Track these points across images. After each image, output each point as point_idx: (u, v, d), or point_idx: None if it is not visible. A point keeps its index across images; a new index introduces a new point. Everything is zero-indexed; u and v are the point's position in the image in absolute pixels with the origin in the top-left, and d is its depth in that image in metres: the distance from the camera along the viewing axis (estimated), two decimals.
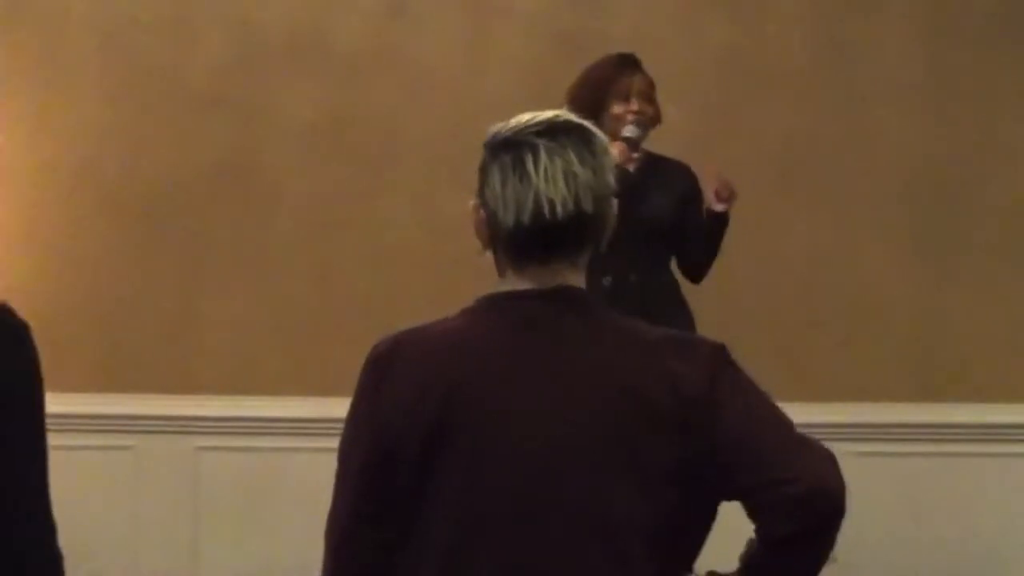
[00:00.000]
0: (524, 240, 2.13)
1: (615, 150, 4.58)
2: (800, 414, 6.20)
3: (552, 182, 2.10)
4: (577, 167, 2.12)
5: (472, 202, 2.19)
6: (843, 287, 5.69)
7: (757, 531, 2.10)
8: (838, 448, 6.32)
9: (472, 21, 5.74)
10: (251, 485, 5.61)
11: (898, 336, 5.68)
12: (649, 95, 4.77)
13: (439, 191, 5.39)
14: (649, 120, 4.77)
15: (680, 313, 4.70)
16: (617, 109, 4.70)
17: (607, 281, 4.58)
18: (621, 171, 4.53)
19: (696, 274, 4.88)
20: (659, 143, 5.76)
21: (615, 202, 2.21)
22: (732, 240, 5.70)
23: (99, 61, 5.74)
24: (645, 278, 4.69)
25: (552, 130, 2.13)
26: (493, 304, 2.17)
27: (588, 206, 2.12)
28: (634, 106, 4.71)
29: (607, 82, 4.73)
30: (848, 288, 5.69)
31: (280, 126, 5.59)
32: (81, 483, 5.67)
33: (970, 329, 5.66)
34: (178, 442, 5.67)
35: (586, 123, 2.16)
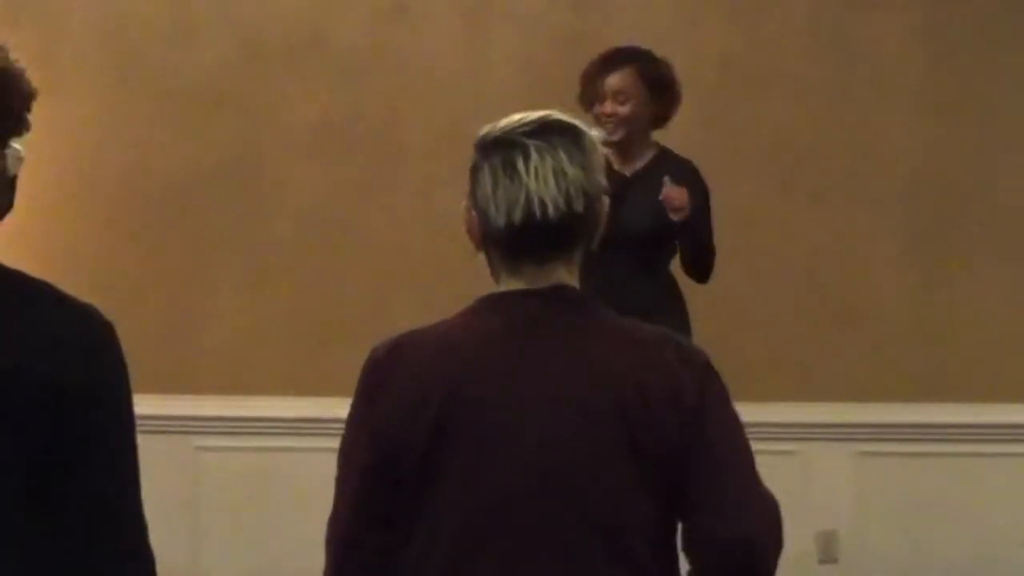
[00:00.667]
0: (516, 240, 2.13)
1: None
2: (800, 414, 6.21)
3: (543, 182, 2.10)
4: (567, 166, 2.12)
5: (464, 203, 2.19)
6: (843, 287, 5.69)
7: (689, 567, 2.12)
8: (838, 448, 6.33)
9: (472, 21, 5.74)
10: (251, 485, 5.61)
11: (898, 336, 5.68)
12: (624, 94, 4.70)
13: (439, 191, 5.38)
14: (624, 121, 4.71)
15: (672, 318, 4.65)
16: (596, 110, 4.69)
17: (596, 284, 4.58)
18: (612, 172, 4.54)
19: (694, 276, 4.84)
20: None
21: (606, 200, 2.20)
22: (732, 240, 5.71)
23: (99, 61, 5.74)
24: (635, 282, 4.65)
25: (542, 130, 2.13)
26: (491, 305, 2.17)
27: (579, 205, 2.13)
28: (606, 108, 4.68)
29: (587, 83, 4.73)
30: (848, 288, 5.69)
31: (280, 126, 5.59)
32: None
33: (970, 329, 5.66)
34: (178, 442, 5.67)
35: (576, 121, 2.17)
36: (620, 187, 4.62)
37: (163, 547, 6.39)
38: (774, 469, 5.74)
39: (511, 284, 2.17)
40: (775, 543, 2.11)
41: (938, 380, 5.63)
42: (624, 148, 4.74)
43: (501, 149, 2.13)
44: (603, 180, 2.17)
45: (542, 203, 2.10)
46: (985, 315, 5.67)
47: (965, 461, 5.62)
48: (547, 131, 2.13)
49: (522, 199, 2.10)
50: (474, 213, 2.17)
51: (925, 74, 5.71)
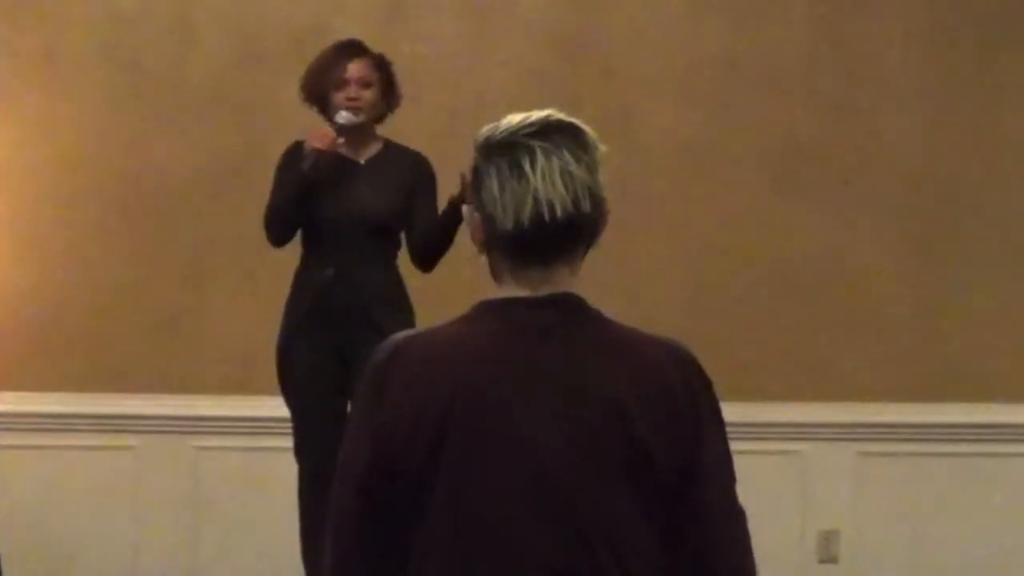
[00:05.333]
0: (524, 243, 2.11)
1: (318, 135, 4.63)
2: (800, 414, 6.18)
3: (550, 183, 2.09)
4: (573, 166, 2.11)
5: (465, 207, 2.17)
6: (843, 287, 5.69)
7: None
8: (838, 448, 6.29)
9: (472, 21, 5.74)
10: (251, 485, 5.61)
11: (898, 336, 5.68)
12: (367, 80, 4.76)
13: (438, 191, 5.38)
14: (368, 105, 4.76)
15: (397, 310, 4.66)
16: (336, 97, 4.73)
17: (329, 272, 4.64)
18: (321, 156, 4.61)
19: (426, 265, 4.80)
20: (658, 141, 5.78)
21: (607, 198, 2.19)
22: (732, 240, 5.71)
23: (99, 61, 5.74)
24: (365, 271, 4.68)
25: (545, 130, 2.12)
26: (492, 311, 2.15)
27: (586, 205, 2.11)
28: (351, 93, 4.73)
29: (325, 71, 4.77)
30: (848, 288, 5.69)
31: (280, 126, 5.57)
32: (81, 483, 5.67)
33: (970, 329, 5.66)
34: (178, 442, 5.67)
35: (576, 121, 2.16)
36: (354, 174, 4.67)
37: (163, 547, 6.38)
38: (774, 469, 5.77)
39: (514, 288, 2.16)
40: (753, 566, 2.15)
41: (938, 380, 5.63)
42: (359, 136, 4.79)
43: (506, 151, 2.11)
44: (604, 178, 2.16)
45: (550, 205, 2.09)
46: (985, 315, 5.67)
47: (965, 461, 5.62)
48: (551, 132, 2.12)
49: (530, 201, 2.09)
50: (477, 215, 2.16)
51: (925, 74, 5.72)
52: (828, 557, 5.64)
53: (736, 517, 2.14)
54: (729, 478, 2.15)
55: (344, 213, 4.67)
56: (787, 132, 5.69)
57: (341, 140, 4.71)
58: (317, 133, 4.70)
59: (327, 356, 4.67)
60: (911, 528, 5.61)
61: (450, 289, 4.56)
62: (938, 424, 5.62)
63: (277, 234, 4.77)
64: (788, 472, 5.56)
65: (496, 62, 5.70)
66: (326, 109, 4.80)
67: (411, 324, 4.55)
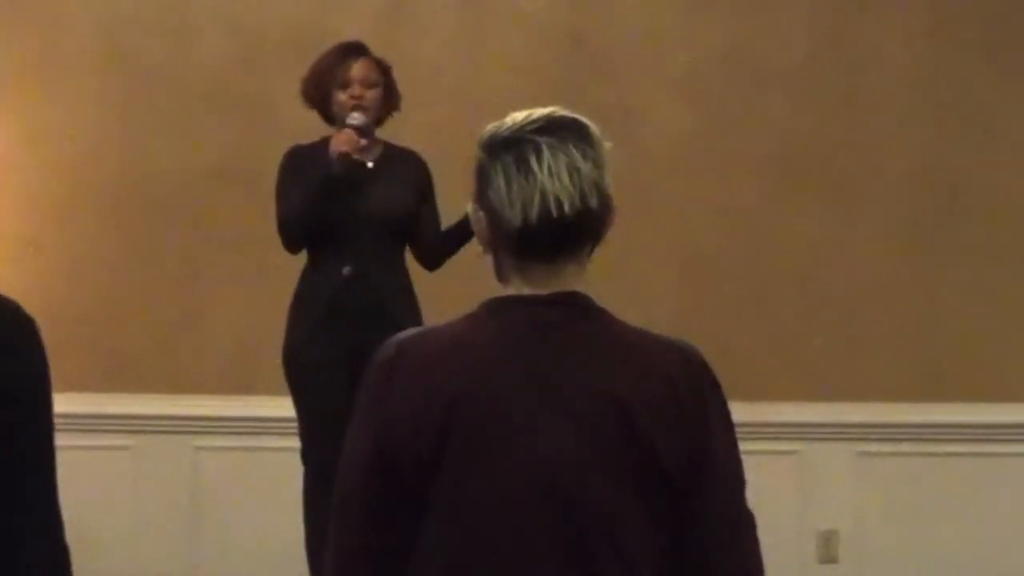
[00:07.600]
0: (532, 240, 2.10)
1: (343, 138, 4.63)
2: (800, 414, 6.18)
3: (558, 178, 2.08)
4: (580, 162, 2.09)
5: (470, 206, 2.16)
6: (843, 287, 5.69)
7: None
8: (838, 448, 6.29)
9: (472, 21, 5.74)
10: (250, 485, 5.61)
11: (898, 336, 5.68)
12: (371, 81, 4.77)
13: (438, 191, 5.38)
14: (372, 105, 4.77)
15: (412, 308, 4.72)
16: (340, 97, 4.74)
17: (346, 271, 4.66)
18: (347, 159, 4.62)
19: (436, 264, 4.86)
20: (658, 140, 5.78)
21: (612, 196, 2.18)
22: (732, 239, 5.71)
23: (99, 61, 5.74)
24: (382, 270, 4.71)
25: (551, 126, 2.10)
26: (498, 309, 2.14)
27: (593, 201, 2.10)
28: (355, 92, 4.73)
29: (328, 71, 4.77)
30: (848, 288, 5.69)
31: (280, 126, 5.58)
32: (81, 483, 5.67)
33: (970, 329, 5.66)
34: (177, 442, 5.67)
35: (581, 118, 2.14)
36: (365, 175, 4.70)
37: (163, 547, 6.36)
38: (774, 469, 5.77)
39: (521, 286, 2.14)
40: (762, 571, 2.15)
41: (938, 380, 5.63)
42: (365, 137, 4.78)
43: (512, 148, 2.09)
44: (610, 175, 2.14)
45: (558, 200, 2.08)
46: (985, 315, 5.67)
47: (965, 461, 5.62)
48: (556, 127, 2.11)
49: (537, 197, 2.08)
50: (482, 214, 2.14)
51: (925, 74, 5.72)
52: (828, 557, 5.64)
53: (742, 522, 2.12)
54: (737, 482, 2.13)
55: (363, 214, 4.67)
56: (787, 131, 5.69)
57: (364, 142, 4.71)
58: (341, 137, 4.69)
59: (343, 357, 4.62)
60: (911, 528, 5.61)
61: (456, 288, 4.56)
62: (938, 424, 5.62)
63: (297, 239, 4.72)
64: (788, 472, 5.56)
65: (496, 62, 5.70)
66: (328, 109, 4.80)
67: (420, 320, 4.60)
